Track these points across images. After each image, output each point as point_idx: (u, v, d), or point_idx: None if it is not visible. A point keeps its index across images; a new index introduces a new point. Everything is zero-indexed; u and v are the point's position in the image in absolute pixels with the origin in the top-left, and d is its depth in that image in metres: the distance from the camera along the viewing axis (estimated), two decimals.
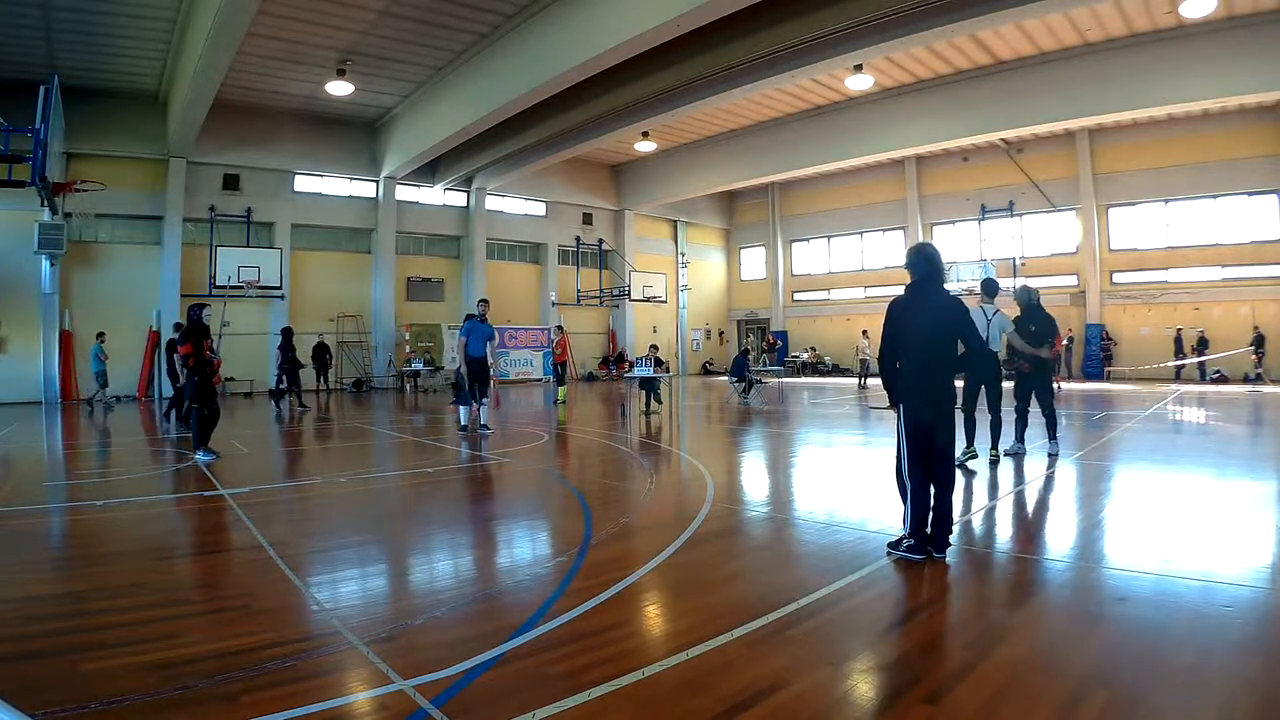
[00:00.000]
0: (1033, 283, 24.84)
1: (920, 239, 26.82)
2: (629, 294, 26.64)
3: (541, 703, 2.48)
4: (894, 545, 4.25)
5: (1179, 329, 21.37)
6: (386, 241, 22.79)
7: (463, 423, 10.64)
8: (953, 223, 26.46)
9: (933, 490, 4.20)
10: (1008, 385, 7.84)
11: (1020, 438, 7.79)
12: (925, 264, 4.44)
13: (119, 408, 16.57)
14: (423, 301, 23.98)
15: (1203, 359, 20.71)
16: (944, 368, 4.34)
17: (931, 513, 4.19)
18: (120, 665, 2.80)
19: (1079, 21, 16.48)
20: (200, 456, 8.08)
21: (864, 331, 22.89)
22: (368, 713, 2.49)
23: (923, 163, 26.72)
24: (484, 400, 10.44)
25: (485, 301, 10.90)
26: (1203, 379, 20.60)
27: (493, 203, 25.68)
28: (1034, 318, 7.78)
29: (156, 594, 3.74)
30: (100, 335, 16.89)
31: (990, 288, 7.72)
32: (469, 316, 11.07)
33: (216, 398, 8.52)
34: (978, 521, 5.21)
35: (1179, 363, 21.19)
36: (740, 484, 7.15)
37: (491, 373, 10.43)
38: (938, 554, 4.13)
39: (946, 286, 4.62)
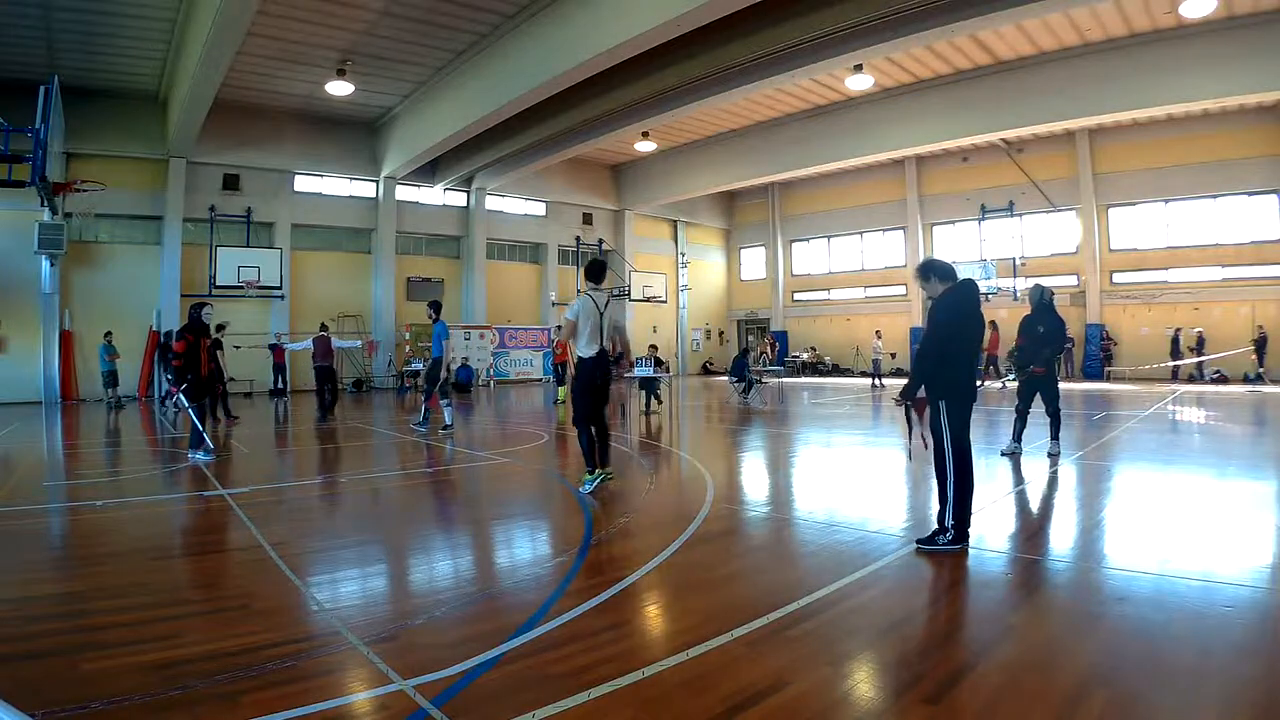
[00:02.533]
0: (1033, 283, 24.93)
1: (920, 239, 26.85)
2: (629, 294, 26.64)
3: (541, 703, 2.48)
4: (928, 541, 4.33)
5: (1177, 329, 21.38)
6: (386, 241, 22.79)
7: (447, 421, 10.66)
8: (953, 223, 26.46)
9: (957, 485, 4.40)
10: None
11: (1018, 438, 7.78)
12: (952, 269, 4.59)
13: (125, 407, 16.56)
14: (423, 301, 23.88)
15: (1201, 359, 20.70)
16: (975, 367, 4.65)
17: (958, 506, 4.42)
18: (120, 665, 2.80)
19: (1079, 21, 16.48)
20: (201, 456, 8.08)
21: (877, 332, 22.84)
22: (368, 713, 2.49)
23: (923, 163, 26.72)
24: (444, 401, 10.66)
25: (434, 303, 10.82)
26: (1201, 379, 20.58)
27: (493, 203, 25.68)
28: (1044, 318, 7.74)
29: (156, 594, 3.74)
30: (108, 335, 16.98)
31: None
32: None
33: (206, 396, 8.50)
34: (978, 521, 5.20)
35: (1175, 363, 21.20)
36: (740, 484, 7.15)
37: (444, 372, 10.53)
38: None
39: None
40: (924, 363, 4.43)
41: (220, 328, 13.42)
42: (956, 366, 4.37)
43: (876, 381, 21.04)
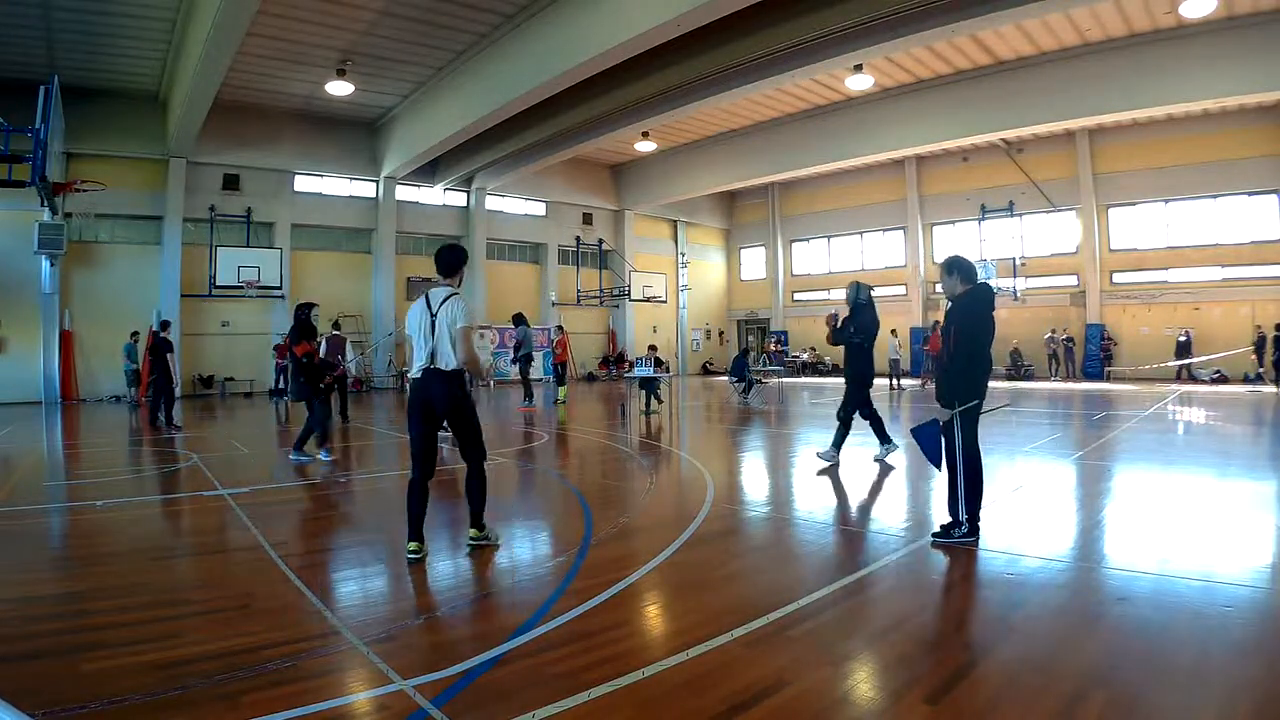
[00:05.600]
0: (1033, 283, 24.77)
1: (920, 239, 26.86)
2: (629, 294, 26.64)
3: (541, 703, 2.48)
4: (942, 534, 4.47)
5: (1182, 330, 21.36)
6: (386, 241, 22.79)
7: None
8: (953, 223, 26.45)
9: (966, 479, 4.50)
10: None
11: (883, 439, 7.54)
12: (974, 271, 4.67)
13: (121, 407, 16.54)
14: None
15: (1190, 360, 20.69)
16: None
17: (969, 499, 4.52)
18: (120, 665, 2.80)
19: (1079, 21, 16.48)
20: (305, 459, 7.93)
21: (893, 331, 22.74)
22: (368, 713, 2.49)
23: (923, 163, 26.72)
24: None
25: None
26: (1190, 378, 20.52)
27: (493, 203, 25.69)
28: (856, 317, 7.27)
29: (156, 594, 3.74)
30: (134, 334, 16.99)
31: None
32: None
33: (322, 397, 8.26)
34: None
35: (1179, 363, 21.18)
36: (740, 484, 7.14)
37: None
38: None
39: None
40: (959, 368, 4.49)
41: (165, 324, 12.49)
42: (971, 369, 4.48)
43: (895, 383, 20.18)
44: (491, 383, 23.46)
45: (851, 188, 28.55)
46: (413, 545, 4.27)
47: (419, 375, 4.33)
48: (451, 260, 4.48)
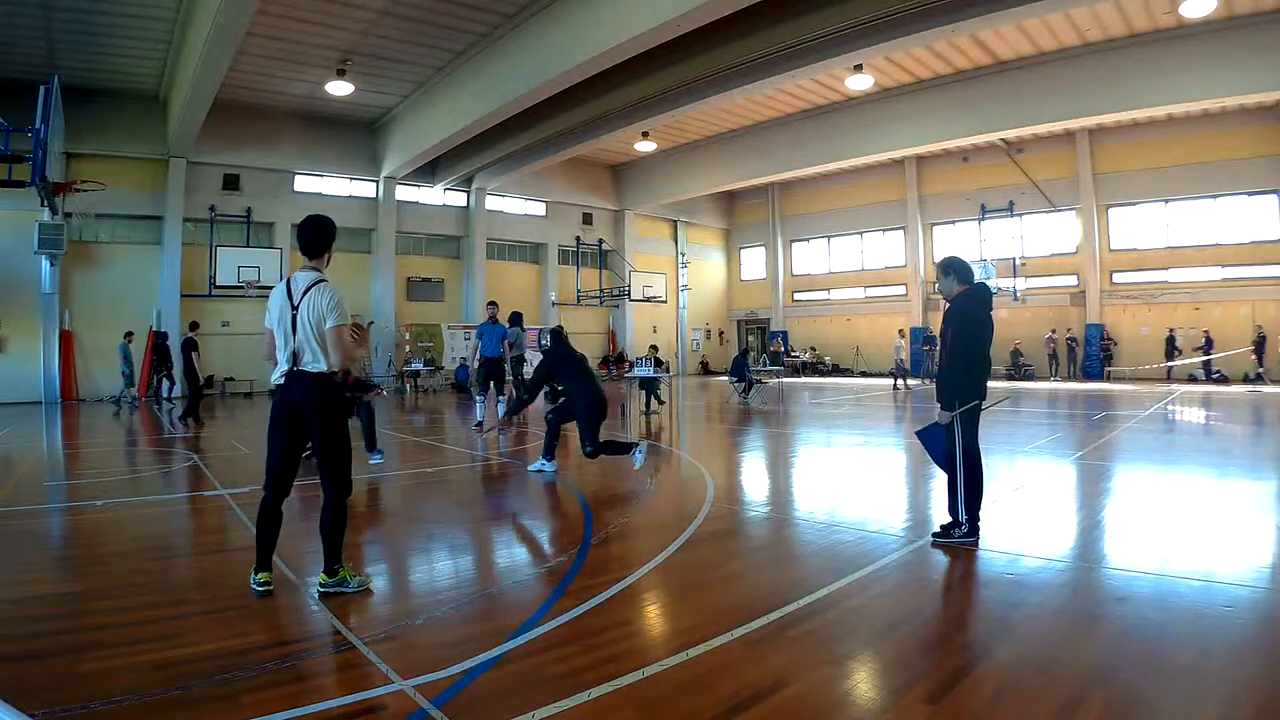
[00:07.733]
0: (1033, 283, 24.81)
1: (920, 239, 26.87)
2: (629, 294, 26.64)
3: (541, 703, 2.48)
4: (942, 534, 4.48)
5: (1171, 330, 21.33)
6: (386, 241, 22.79)
7: (478, 418, 11.16)
8: (953, 223, 26.45)
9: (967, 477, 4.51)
10: None
11: (548, 453, 7.25)
12: (970, 271, 4.68)
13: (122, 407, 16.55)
14: (423, 301, 23.98)
15: (1208, 358, 20.66)
16: None
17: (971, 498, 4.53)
18: (120, 665, 2.80)
19: (1079, 21, 16.48)
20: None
21: (900, 331, 22.68)
22: (368, 713, 2.48)
23: (923, 163, 26.71)
24: (500, 397, 11.02)
25: (494, 304, 11.37)
26: (1208, 378, 20.48)
27: (493, 203, 25.68)
28: (545, 358, 7.32)
29: (156, 594, 3.73)
30: (128, 335, 16.98)
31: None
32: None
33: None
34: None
35: (1170, 364, 21.16)
36: (740, 484, 7.15)
37: (507, 371, 11.13)
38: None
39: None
40: (958, 369, 4.48)
41: (194, 326, 12.69)
42: (970, 370, 4.47)
43: (900, 383, 19.87)
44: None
45: (851, 188, 28.55)
46: (262, 576, 3.62)
47: (281, 380, 3.62)
48: (317, 237, 3.67)
